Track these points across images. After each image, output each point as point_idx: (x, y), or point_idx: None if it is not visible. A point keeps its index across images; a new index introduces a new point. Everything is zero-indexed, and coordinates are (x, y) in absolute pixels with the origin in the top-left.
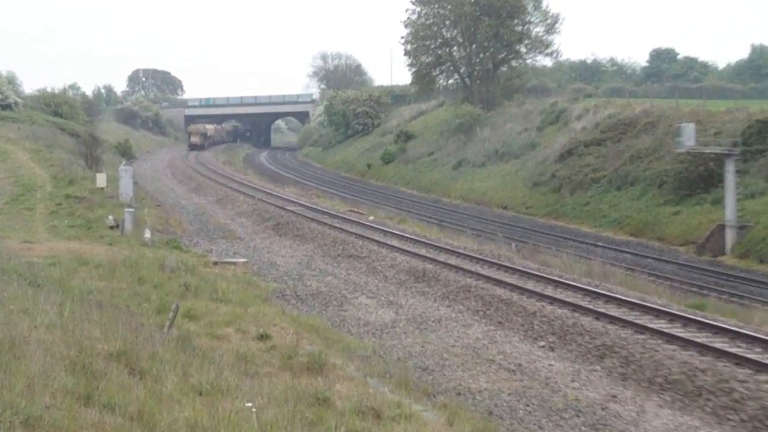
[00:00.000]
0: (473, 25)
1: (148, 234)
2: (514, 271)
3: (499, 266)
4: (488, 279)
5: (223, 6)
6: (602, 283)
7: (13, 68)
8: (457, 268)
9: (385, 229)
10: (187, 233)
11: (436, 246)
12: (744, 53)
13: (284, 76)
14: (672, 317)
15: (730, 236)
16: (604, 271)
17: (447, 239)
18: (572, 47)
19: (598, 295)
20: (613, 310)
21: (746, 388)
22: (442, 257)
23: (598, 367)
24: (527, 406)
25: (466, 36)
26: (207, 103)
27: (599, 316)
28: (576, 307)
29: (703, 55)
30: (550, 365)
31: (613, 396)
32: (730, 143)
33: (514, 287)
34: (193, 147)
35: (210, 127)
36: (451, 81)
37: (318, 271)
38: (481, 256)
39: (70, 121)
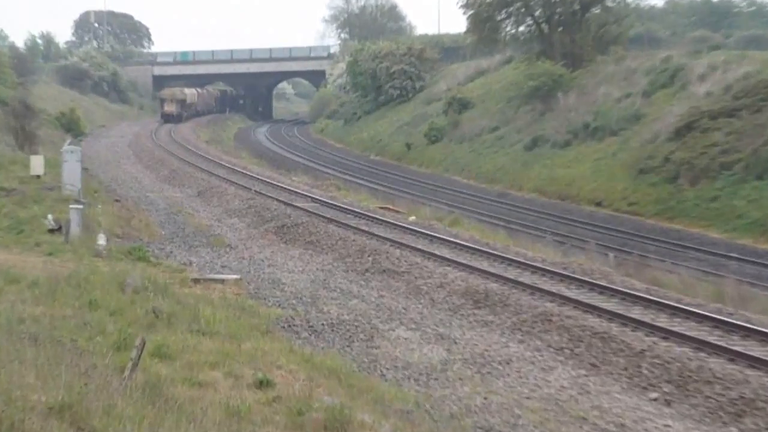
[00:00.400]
0: None
1: (102, 240)
2: (613, 292)
3: (592, 286)
4: (576, 304)
5: None
6: (738, 311)
7: None
8: (533, 289)
9: (431, 233)
10: (156, 239)
11: (503, 257)
12: None
13: (291, 21)
14: None
15: None
16: (741, 294)
17: (518, 248)
18: None
19: (732, 328)
20: (755, 349)
21: None
22: (511, 273)
23: (734, 430)
24: None
25: None
26: (184, 58)
27: (735, 357)
28: (701, 345)
29: None
30: (665, 426)
31: None
32: None
33: (613, 315)
34: (166, 118)
35: (190, 92)
36: (522, 28)
37: (339, 292)
38: (566, 272)
39: None
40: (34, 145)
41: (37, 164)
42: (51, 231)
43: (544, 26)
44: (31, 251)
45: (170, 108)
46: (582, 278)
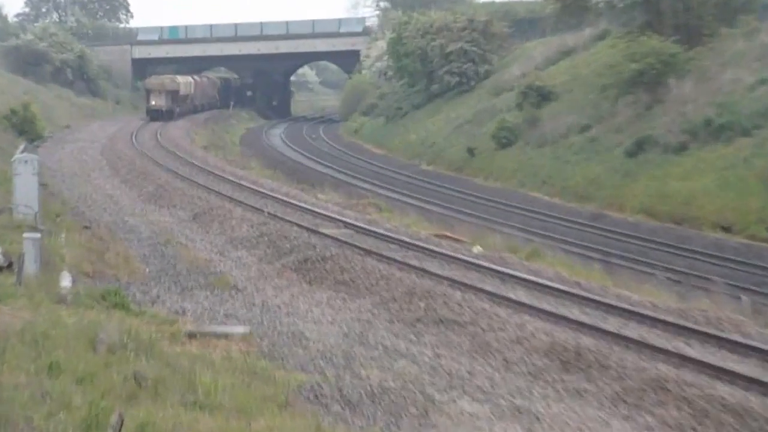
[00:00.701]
0: None
1: (67, 281)
2: (750, 350)
3: (721, 341)
4: (700, 366)
5: None
6: None
7: None
8: (641, 345)
9: (503, 270)
10: (139, 279)
11: (600, 302)
12: None
13: None
14: None
15: None
16: None
17: (619, 289)
18: None
19: None
20: None
21: None
22: (611, 324)
23: None
24: None
25: None
26: (173, 36)
27: None
28: None
29: None
30: None
31: None
32: None
33: (750, 382)
34: (154, 114)
35: (184, 81)
36: None
37: (381, 351)
38: (685, 323)
39: None
40: None
41: None
42: None
43: None
44: None
45: (158, 101)
46: (706, 331)
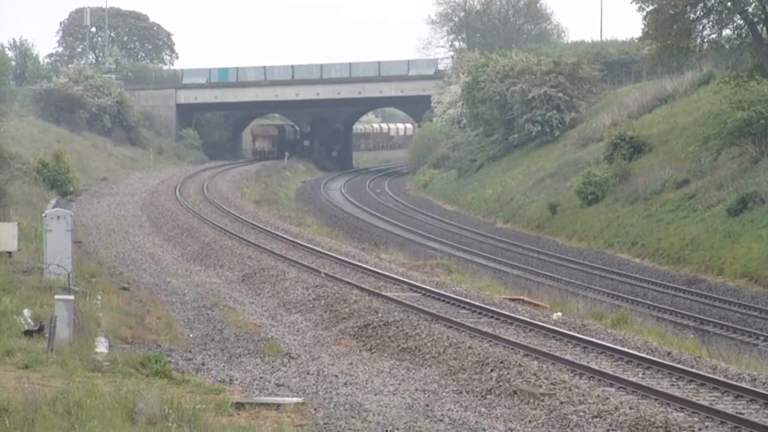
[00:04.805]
0: None
1: (103, 347)
2: None
3: None
4: None
5: None
6: None
7: None
8: (738, 421)
9: (586, 338)
10: (182, 345)
11: (693, 374)
12: None
13: (378, 25)
14: None
15: None
16: None
17: (715, 360)
18: None
19: None
20: None
21: None
22: (704, 398)
23: None
24: None
25: None
26: (223, 78)
27: None
28: None
29: None
30: None
31: None
32: None
33: None
34: (258, 155)
35: (289, 127)
36: (727, 31)
37: (448, 424)
38: None
39: None
40: (3, 207)
41: (6, 236)
42: (28, 333)
43: (762, 28)
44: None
45: (263, 144)
46: None
